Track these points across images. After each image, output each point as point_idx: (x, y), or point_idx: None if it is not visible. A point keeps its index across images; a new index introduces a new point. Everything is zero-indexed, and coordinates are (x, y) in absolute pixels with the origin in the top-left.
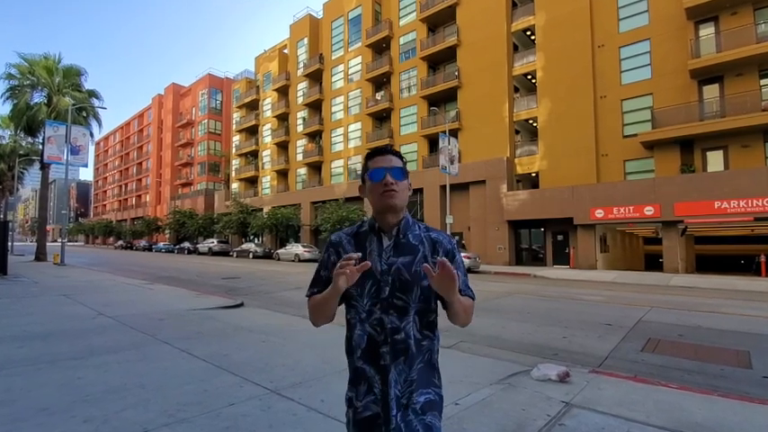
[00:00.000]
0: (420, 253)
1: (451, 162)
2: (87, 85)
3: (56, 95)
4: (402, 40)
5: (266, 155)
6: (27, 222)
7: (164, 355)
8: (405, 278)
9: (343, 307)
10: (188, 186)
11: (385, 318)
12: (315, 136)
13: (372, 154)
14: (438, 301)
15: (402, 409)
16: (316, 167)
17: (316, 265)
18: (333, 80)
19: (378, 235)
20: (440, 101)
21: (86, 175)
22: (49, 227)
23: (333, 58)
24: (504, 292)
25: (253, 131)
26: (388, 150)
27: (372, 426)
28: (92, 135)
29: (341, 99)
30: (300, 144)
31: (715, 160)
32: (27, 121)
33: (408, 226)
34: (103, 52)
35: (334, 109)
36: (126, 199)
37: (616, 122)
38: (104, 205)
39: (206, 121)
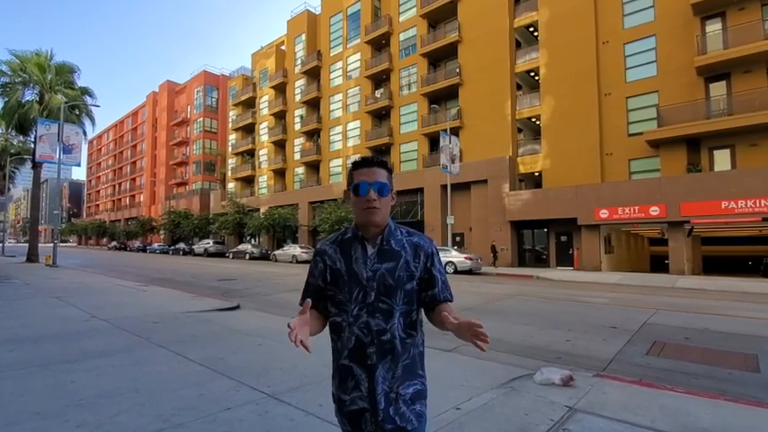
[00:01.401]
0: (402, 258)
1: (452, 161)
2: (80, 83)
3: (48, 93)
4: (402, 37)
5: (263, 154)
6: (18, 223)
7: (158, 358)
8: (389, 283)
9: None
10: (183, 186)
11: (371, 321)
12: (313, 134)
13: (358, 165)
14: (422, 306)
15: (393, 403)
16: (314, 167)
17: None
18: (331, 77)
19: (362, 243)
20: (441, 98)
21: (79, 174)
22: (40, 227)
23: (331, 54)
24: (505, 294)
25: (249, 130)
26: (374, 162)
27: (360, 417)
28: (85, 133)
29: (339, 97)
30: (298, 143)
31: (722, 159)
32: (18, 119)
33: (391, 233)
34: (97, 49)
35: (332, 107)
36: (119, 199)
37: (621, 121)
38: (97, 205)
39: (201, 119)
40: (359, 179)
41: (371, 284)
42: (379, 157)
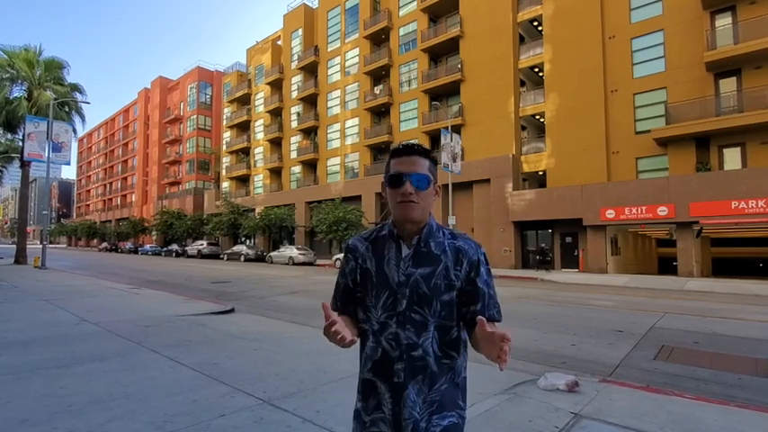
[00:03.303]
0: (442, 264)
1: (454, 160)
2: (70, 79)
3: (36, 89)
4: (402, 31)
5: (258, 152)
6: (6, 223)
7: (150, 363)
8: (423, 291)
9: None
10: (176, 185)
11: (401, 333)
12: (310, 132)
13: (398, 152)
14: (462, 323)
15: None
16: (311, 165)
17: (311, 268)
18: (329, 73)
19: (396, 242)
20: (442, 95)
21: (69, 173)
22: (29, 228)
23: (329, 49)
24: (509, 297)
25: (244, 127)
26: (414, 150)
27: None
28: (74, 131)
29: (337, 93)
30: (295, 141)
31: (732, 158)
32: (6, 117)
33: (431, 233)
34: (88, 44)
35: (330, 104)
36: (110, 199)
37: (628, 118)
38: (88, 205)
39: (195, 116)
40: (396, 169)
41: (403, 291)
42: (420, 145)
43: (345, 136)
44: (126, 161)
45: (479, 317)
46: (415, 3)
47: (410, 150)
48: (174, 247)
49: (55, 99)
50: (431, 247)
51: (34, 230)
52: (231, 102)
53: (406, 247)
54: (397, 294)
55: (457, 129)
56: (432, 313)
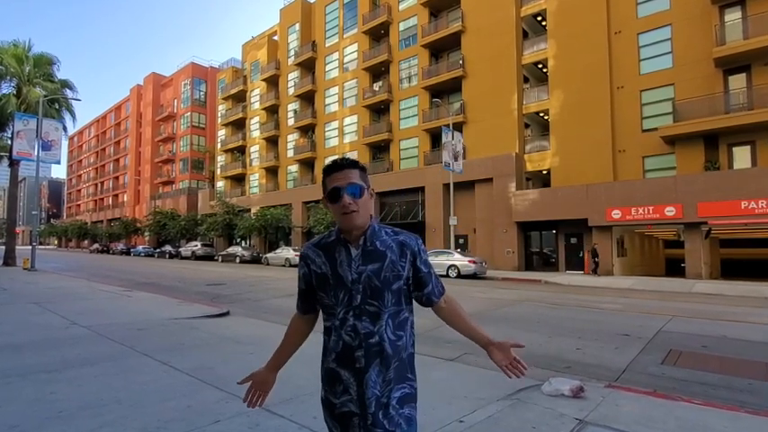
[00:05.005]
0: (388, 259)
1: (455, 158)
2: (60, 75)
3: (26, 86)
4: (402, 26)
5: (254, 150)
6: None
7: (143, 368)
8: (375, 285)
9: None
10: (169, 185)
11: (359, 324)
12: (307, 130)
13: (329, 170)
14: (419, 303)
15: (383, 407)
16: (308, 164)
17: None
18: (327, 69)
19: (345, 246)
20: (443, 92)
21: (59, 172)
22: (18, 229)
23: (327, 45)
24: (512, 300)
25: (240, 125)
26: (344, 165)
27: (349, 421)
28: (65, 129)
29: (335, 90)
30: (291, 139)
31: (742, 156)
32: None
33: (375, 233)
34: (79, 40)
35: (328, 101)
36: (102, 198)
37: (634, 115)
38: (78, 205)
39: (189, 113)
40: (331, 185)
41: (357, 287)
42: (347, 158)
43: (344, 134)
44: (118, 160)
45: (473, 325)
46: None
47: (340, 166)
48: (168, 248)
49: (44, 96)
50: (376, 246)
51: (23, 231)
52: (226, 99)
53: (354, 248)
54: (352, 291)
55: (458, 126)
56: (384, 303)
